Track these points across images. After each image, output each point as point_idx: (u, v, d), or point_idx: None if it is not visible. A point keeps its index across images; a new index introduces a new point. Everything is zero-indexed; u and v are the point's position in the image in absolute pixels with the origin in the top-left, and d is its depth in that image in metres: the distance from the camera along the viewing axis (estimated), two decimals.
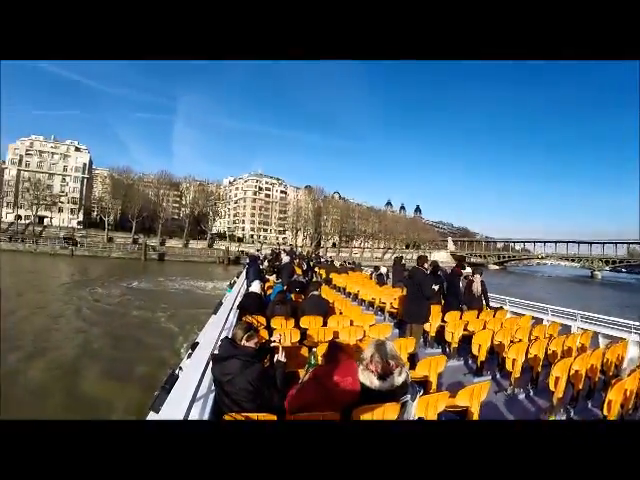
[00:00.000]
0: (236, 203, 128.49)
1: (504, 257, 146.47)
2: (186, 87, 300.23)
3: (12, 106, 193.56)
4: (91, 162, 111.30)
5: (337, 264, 24.42)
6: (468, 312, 9.66)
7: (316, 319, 8.12)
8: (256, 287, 9.25)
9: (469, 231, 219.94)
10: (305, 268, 21.92)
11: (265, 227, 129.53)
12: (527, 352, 6.46)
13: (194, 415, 3.43)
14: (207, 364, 4.26)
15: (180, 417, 3.14)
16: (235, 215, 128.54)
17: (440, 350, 8.83)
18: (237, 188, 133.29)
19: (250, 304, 8.57)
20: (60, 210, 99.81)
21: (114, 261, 70.22)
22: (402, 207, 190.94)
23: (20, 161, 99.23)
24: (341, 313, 9.79)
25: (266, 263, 22.06)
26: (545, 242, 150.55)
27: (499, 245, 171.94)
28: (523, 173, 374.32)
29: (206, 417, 3.60)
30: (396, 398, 3.33)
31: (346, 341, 7.30)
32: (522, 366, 6.41)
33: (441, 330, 8.95)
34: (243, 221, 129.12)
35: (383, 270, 18.58)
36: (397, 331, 9.64)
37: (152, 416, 3.49)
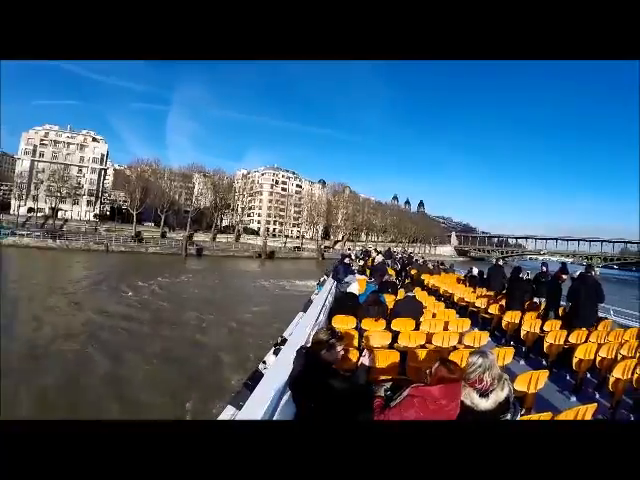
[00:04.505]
0: (251, 196, 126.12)
1: (506, 252, 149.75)
2: (184, 77, 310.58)
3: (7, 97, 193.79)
4: (108, 153, 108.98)
5: (430, 265, 23.19)
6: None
7: (409, 322, 7.89)
8: (354, 288, 9.34)
9: (469, 226, 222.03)
10: (399, 269, 22.17)
11: (281, 220, 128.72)
12: (633, 372, 5.79)
13: (277, 416, 3.38)
14: None
15: (264, 416, 3.11)
16: (250, 208, 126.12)
17: (523, 361, 8.55)
18: (252, 181, 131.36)
19: (344, 304, 8.63)
20: (76, 202, 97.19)
21: (153, 257, 68.60)
22: (407, 202, 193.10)
23: (34, 151, 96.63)
24: (434, 316, 9.50)
25: (360, 262, 21.63)
26: (546, 239, 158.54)
27: (494, 240, 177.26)
28: (522, 171, 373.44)
29: (290, 419, 3.44)
30: (495, 417, 3.23)
31: (440, 346, 7.12)
32: (625, 387, 5.87)
33: (539, 340, 8.61)
34: (259, 214, 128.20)
35: (475, 271, 17.67)
36: (492, 339, 9.60)
37: (229, 410, 3.61)
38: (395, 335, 7.28)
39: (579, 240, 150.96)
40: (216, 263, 65.69)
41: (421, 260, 25.04)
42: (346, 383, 3.56)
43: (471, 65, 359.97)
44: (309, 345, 4.08)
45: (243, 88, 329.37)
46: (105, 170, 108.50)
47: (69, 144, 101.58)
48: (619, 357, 6.80)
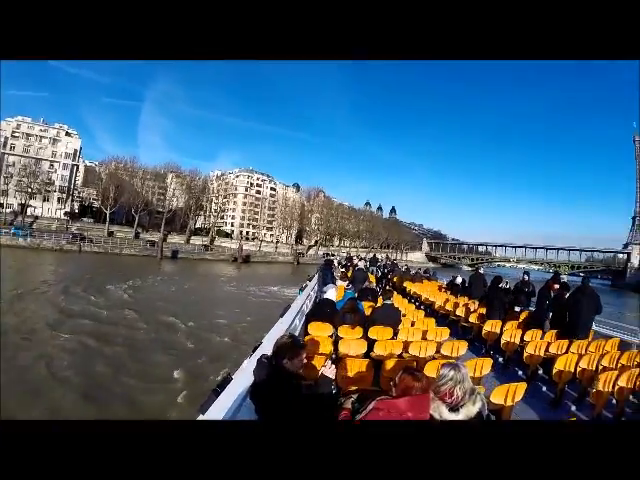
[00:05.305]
0: (225, 198, 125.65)
1: (477, 259, 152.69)
2: (157, 73, 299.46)
3: None
4: (81, 149, 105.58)
5: (412, 272, 22.97)
6: (550, 332, 8.98)
7: (386, 330, 7.75)
8: (331, 294, 9.19)
9: (440, 233, 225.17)
10: (379, 276, 22.19)
11: (254, 223, 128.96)
12: (614, 384, 5.78)
13: (240, 418, 3.36)
14: None
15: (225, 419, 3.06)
16: (223, 210, 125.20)
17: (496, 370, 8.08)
18: (227, 183, 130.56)
19: (321, 311, 8.20)
20: (46, 199, 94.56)
21: (128, 259, 66.28)
22: (379, 208, 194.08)
23: (5, 144, 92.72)
24: (413, 325, 9.44)
25: (340, 269, 21.30)
26: (515, 247, 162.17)
27: (464, 247, 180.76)
28: (493, 180, 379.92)
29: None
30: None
31: (416, 356, 7.06)
32: (606, 399, 5.91)
33: (519, 350, 8.61)
34: (233, 217, 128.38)
35: (459, 280, 17.46)
36: (471, 348, 9.16)
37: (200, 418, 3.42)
38: (371, 343, 7.20)
39: (547, 248, 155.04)
40: (192, 266, 65.01)
41: (404, 267, 24.93)
42: (309, 394, 3.48)
43: (443, 72, 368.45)
44: (270, 354, 3.84)
45: (216, 88, 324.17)
46: (77, 166, 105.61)
47: (41, 137, 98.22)
48: (600, 368, 6.77)
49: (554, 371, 6.78)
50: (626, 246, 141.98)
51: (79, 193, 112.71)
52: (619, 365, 6.89)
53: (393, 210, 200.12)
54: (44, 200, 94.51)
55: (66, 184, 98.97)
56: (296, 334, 7.14)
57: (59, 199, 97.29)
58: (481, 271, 15.76)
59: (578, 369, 6.81)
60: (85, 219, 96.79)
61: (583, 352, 7.65)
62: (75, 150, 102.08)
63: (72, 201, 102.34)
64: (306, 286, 15.12)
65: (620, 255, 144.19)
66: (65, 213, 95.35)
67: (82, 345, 19.35)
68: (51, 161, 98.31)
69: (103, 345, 19.54)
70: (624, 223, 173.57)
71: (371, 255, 33.10)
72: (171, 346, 20.42)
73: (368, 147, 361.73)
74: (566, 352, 7.67)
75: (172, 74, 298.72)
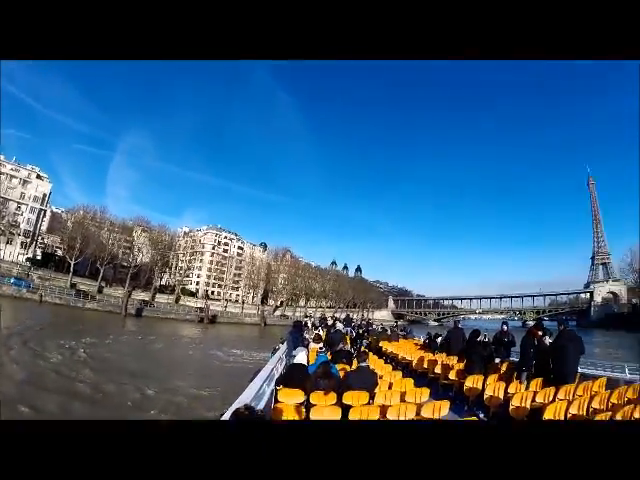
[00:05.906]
0: (192, 255, 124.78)
1: (444, 314, 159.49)
2: (130, 125, 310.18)
3: None
4: (51, 193, 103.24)
5: (389, 331, 22.44)
6: (534, 380, 8.82)
7: (361, 394, 7.43)
8: (302, 358, 8.89)
9: (405, 289, 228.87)
10: (354, 336, 21.13)
11: (220, 282, 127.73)
12: None
13: None
14: None
15: None
16: (189, 268, 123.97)
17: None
18: (194, 240, 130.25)
19: (291, 376, 8.05)
20: (9, 242, 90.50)
21: (90, 314, 64.36)
22: (345, 267, 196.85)
23: None
24: (390, 387, 9.13)
25: (314, 330, 19.98)
26: (480, 299, 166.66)
27: (430, 302, 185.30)
28: (452, 234, 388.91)
29: None
30: None
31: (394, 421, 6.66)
32: None
33: (504, 404, 8.33)
34: (199, 275, 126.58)
35: (439, 339, 16.86)
36: (453, 407, 8.69)
37: None
38: (346, 409, 6.98)
39: (511, 297, 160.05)
40: (157, 326, 62.82)
41: (380, 326, 24.56)
42: None
43: (406, 134, 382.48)
44: None
45: (185, 144, 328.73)
46: (45, 211, 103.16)
47: (12, 177, 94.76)
48: (590, 411, 6.70)
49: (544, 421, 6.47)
50: (587, 285, 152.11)
51: (43, 239, 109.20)
52: (610, 405, 6.81)
53: (359, 269, 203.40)
54: (7, 243, 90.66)
55: (31, 228, 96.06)
56: (264, 401, 7.03)
57: (22, 243, 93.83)
58: (460, 326, 15.37)
59: (569, 415, 6.63)
60: (47, 267, 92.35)
61: (571, 397, 7.47)
62: (44, 194, 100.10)
63: (35, 247, 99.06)
64: (278, 349, 14.80)
65: (583, 295, 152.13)
66: (27, 259, 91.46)
67: (12, 411, 16.07)
68: (19, 203, 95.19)
69: (35, 413, 16.67)
70: (583, 264, 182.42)
71: (344, 315, 32.78)
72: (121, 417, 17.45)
73: (336, 208, 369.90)
74: (553, 400, 7.45)
75: (143, 125, 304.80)
